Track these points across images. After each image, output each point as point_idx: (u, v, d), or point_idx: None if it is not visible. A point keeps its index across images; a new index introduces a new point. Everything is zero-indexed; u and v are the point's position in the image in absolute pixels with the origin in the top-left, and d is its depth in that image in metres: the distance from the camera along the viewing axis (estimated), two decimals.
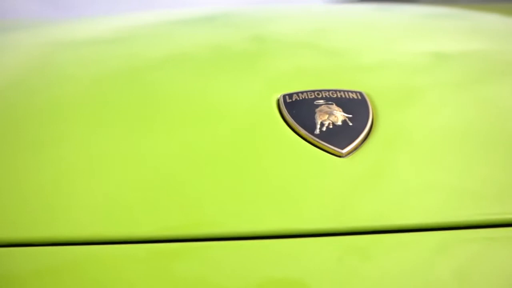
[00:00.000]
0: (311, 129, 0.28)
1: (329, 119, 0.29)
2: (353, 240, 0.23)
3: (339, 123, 0.29)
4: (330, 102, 0.30)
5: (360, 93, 0.31)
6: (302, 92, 0.31)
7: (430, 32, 0.48)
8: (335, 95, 0.31)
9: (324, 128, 0.28)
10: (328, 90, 0.31)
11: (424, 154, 0.27)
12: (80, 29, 0.51)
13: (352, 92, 0.31)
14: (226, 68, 0.37)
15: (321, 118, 0.29)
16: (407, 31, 0.48)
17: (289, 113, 0.29)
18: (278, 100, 0.31)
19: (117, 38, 0.46)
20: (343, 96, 0.31)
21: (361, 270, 0.22)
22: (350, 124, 0.29)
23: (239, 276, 0.23)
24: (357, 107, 0.30)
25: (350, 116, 0.29)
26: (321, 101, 0.30)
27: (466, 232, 0.23)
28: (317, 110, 0.30)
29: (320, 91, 0.31)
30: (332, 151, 0.27)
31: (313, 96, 0.31)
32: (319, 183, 0.25)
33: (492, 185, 0.25)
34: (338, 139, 0.27)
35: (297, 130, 0.28)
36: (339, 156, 0.26)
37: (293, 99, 0.31)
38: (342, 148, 0.27)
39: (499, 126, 0.29)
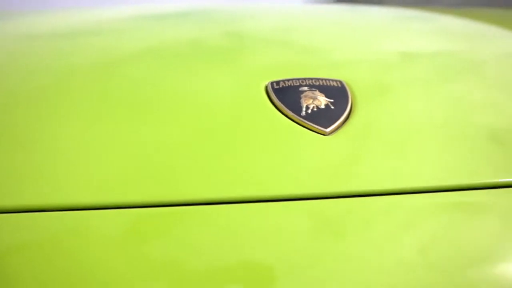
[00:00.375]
0: (297, 111, 0.31)
1: (313, 103, 0.32)
2: (335, 203, 0.26)
3: (322, 106, 0.32)
4: (313, 89, 0.33)
5: (340, 82, 0.35)
6: (288, 80, 0.34)
7: (398, 32, 0.51)
8: (317, 83, 0.34)
9: (309, 111, 0.31)
10: (311, 79, 0.35)
11: (395, 134, 0.31)
12: (56, 22, 0.52)
13: (332, 80, 0.35)
14: (204, 61, 0.39)
15: (306, 102, 0.32)
16: (377, 31, 0.52)
17: (277, 97, 0.32)
18: (266, 87, 0.34)
19: (94, 31, 0.47)
20: (325, 84, 0.34)
21: (336, 231, 0.25)
22: (332, 107, 0.32)
23: (229, 238, 0.25)
24: (337, 93, 0.33)
25: (332, 101, 0.32)
26: (306, 88, 0.33)
27: (431, 196, 0.27)
28: (302, 95, 0.33)
29: (304, 79, 0.34)
30: (317, 130, 0.30)
31: (298, 84, 0.34)
32: (305, 155, 0.28)
33: (452, 156, 0.29)
34: (322, 120, 0.30)
35: (285, 112, 0.31)
36: (323, 135, 0.30)
37: (280, 86, 0.34)
38: (326, 128, 0.30)
39: (456, 113, 0.34)
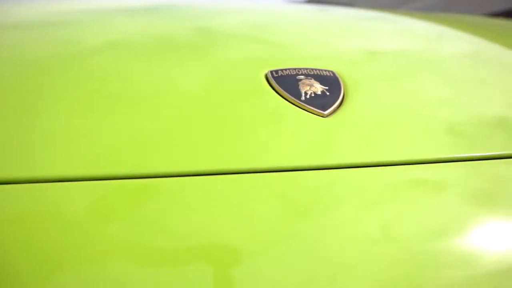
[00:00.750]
0: (297, 96, 0.34)
1: (310, 89, 0.35)
2: (334, 173, 0.29)
3: (319, 92, 0.35)
4: (309, 77, 0.37)
5: (332, 72, 0.38)
6: (285, 69, 0.38)
7: (364, 32, 0.54)
8: (312, 72, 0.38)
9: (308, 96, 0.35)
10: (306, 68, 0.38)
11: (377, 119, 0.34)
12: (21, 12, 0.51)
13: (325, 71, 0.38)
14: (173, 55, 0.40)
15: (304, 89, 0.35)
16: (344, 30, 0.54)
17: (277, 84, 0.36)
18: (266, 75, 0.37)
19: (56, 23, 0.46)
20: (319, 73, 0.38)
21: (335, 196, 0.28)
22: (328, 94, 0.35)
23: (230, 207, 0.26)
24: (330, 81, 0.37)
25: (327, 88, 0.36)
26: (302, 76, 0.37)
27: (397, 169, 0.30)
28: (299, 82, 0.36)
29: (300, 69, 0.38)
30: (316, 113, 0.33)
31: (294, 73, 0.37)
32: (306, 134, 0.32)
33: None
34: (320, 104, 0.34)
35: (286, 97, 0.34)
36: (322, 117, 0.33)
37: (279, 74, 0.37)
38: (324, 111, 0.33)
39: (415, 106, 0.37)
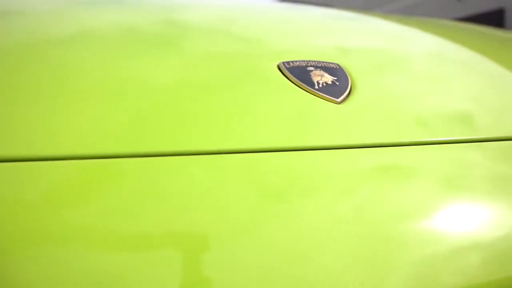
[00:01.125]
0: (311, 85, 0.37)
1: (321, 79, 0.38)
2: (346, 152, 0.32)
3: (330, 82, 0.38)
4: (318, 69, 0.40)
5: (337, 64, 0.41)
6: (295, 61, 0.40)
7: (336, 30, 0.56)
8: (320, 65, 0.40)
9: (320, 85, 0.37)
10: (314, 61, 0.41)
11: (386, 104, 0.38)
12: None
13: (331, 63, 0.41)
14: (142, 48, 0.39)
15: (316, 79, 0.38)
16: (316, 28, 0.56)
17: (291, 74, 0.38)
18: (278, 66, 0.39)
19: (20, 12, 0.44)
20: (326, 65, 0.41)
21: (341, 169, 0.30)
22: (337, 83, 0.38)
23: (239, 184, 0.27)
24: (337, 73, 0.40)
25: (335, 78, 0.39)
26: (312, 68, 0.40)
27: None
28: (311, 73, 0.39)
29: (309, 61, 0.41)
30: (330, 100, 0.36)
31: (304, 64, 0.40)
32: (323, 118, 0.34)
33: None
34: (332, 92, 0.37)
35: (301, 86, 0.37)
36: (336, 103, 0.36)
37: (291, 65, 0.39)
38: (337, 98, 0.36)
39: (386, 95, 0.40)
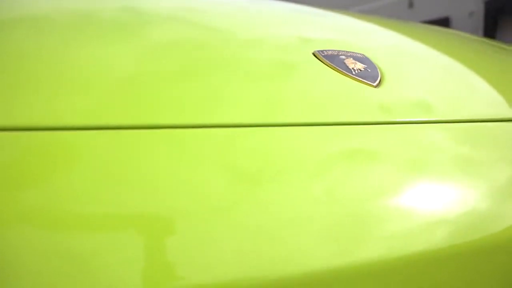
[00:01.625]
0: (349, 71, 0.41)
1: (355, 66, 0.42)
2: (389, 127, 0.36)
3: (362, 69, 0.42)
4: (349, 57, 0.44)
5: (363, 54, 0.46)
6: (328, 50, 0.44)
7: (297, 22, 0.56)
8: (349, 54, 0.45)
9: (356, 72, 0.42)
10: (343, 51, 0.45)
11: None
12: None
13: (358, 53, 0.46)
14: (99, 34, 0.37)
15: (351, 66, 0.42)
16: (278, 20, 0.55)
17: (328, 61, 0.42)
18: (314, 53, 0.43)
19: None
20: (353, 55, 0.45)
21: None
22: (369, 70, 0.43)
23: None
24: (365, 61, 0.44)
25: (366, 66, 0.43)
26: (343, 56, 0.44)
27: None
28: (344, 61, 0.43)
29: (339, 51, 0.45)
30: (368, 84, 0.40)
31: (336, 53, 0.44)
32: (363, 99, 0.38)
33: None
34: (368, 77, 0.41)
35: (340, 72, 0.41)
36: (373, 87, 0.40)
37: (325, 54, 0.43)
38: (374, 82, 0.41)
39: None
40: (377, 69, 0.43)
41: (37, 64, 0.30)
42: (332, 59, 0.42)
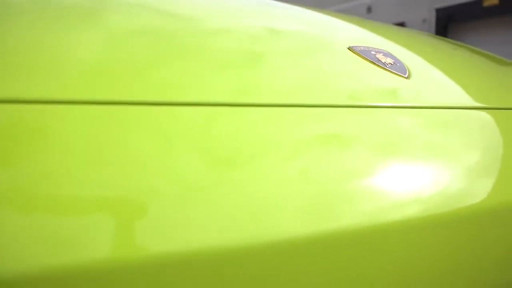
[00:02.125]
0: (383, 64, 0.47)
1: (386, 61, 0.49)
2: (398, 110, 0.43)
3: (392, 63, 0.49)
4: (379, 53, 0.50)
5: (385, 50, 0.52)
6: (359, 46, 0.50)
7: (266, 15, 0.55)
8: (377, 50, 0.51)
9: (388, 65, 0.48)
10: (371, 47, 0.51)
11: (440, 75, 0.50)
12: None
13: (382, 50, 0.52)
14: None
15: (383, 60, 0.48)
16: (249, 12, 0.54)
17: (364, 55, 0.48)
18: (349, 48, 0.49)
19: None
20: (381, 51, 0.51)
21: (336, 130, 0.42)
22: (397, 64, 0.49)
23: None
24: (391, 57, 0.51)
25: (393, 61, 0.50)
26: (374, 52, 0.50)
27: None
28: (376, 55, 0.49)
29: (368, 47, 0.51)
30: (400, 76, 0.46)
31: (367, 49, 0.50)
32: (395, 88, 0.45)
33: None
34: (399, 70, 0.47)
35: (375, 64, 0.47)
36: (405, 78, 0.47)
37: (359, 49, 0.49)
38: (405, 74, 0.47)
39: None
40: (403, 63, 0.50)
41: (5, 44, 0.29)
42: (366, 54, 0.48)
